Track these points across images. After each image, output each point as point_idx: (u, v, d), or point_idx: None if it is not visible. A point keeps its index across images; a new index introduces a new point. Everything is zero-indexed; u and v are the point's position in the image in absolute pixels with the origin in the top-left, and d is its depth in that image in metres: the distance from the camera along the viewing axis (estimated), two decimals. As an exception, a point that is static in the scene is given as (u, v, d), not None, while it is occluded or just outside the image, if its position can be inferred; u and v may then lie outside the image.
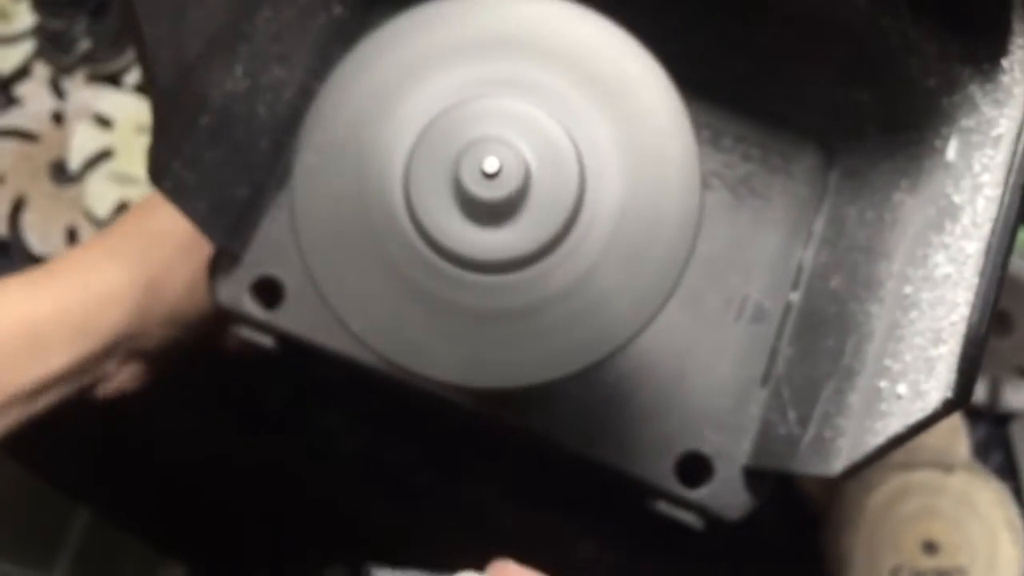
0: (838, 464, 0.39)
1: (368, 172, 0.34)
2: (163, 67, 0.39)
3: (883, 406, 0.36)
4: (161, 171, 0.42)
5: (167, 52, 0.39)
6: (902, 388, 0.34)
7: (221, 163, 0.46)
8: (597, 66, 0.34)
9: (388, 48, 0.34)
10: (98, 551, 1.03)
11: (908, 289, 0.38)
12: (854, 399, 0.40)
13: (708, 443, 0.47)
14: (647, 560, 0.65)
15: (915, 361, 0.34)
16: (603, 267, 0.34)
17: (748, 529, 0.47)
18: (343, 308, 0.35)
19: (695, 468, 0.47)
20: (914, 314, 0.36)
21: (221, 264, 0.49)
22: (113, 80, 0.76)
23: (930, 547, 0.63)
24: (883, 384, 0.37)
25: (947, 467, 0.65)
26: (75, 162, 0.74)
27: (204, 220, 0.45)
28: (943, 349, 0.31)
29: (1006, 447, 0.68)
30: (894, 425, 0.34)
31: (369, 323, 0.34)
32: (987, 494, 0.65)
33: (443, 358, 0.34)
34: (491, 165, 0.32)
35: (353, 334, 0.34)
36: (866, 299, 0.42)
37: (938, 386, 0.31)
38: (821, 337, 0.44)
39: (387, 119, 0.34)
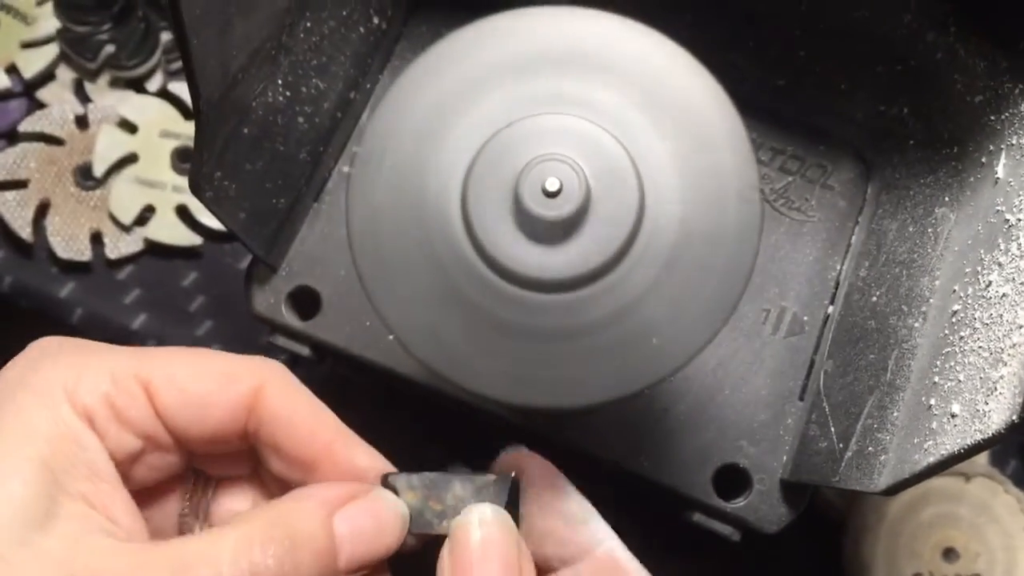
0: (881, 480, 0.39)
1: (426, 187, 0.34)
2: (208, 78, 0.39)
3: (933, 424, 0.36)
4: (204, 181, 0.42)
5: (212, 63, 0.39)
6: (956, 407, 0.34)
7: (261, 174, 0.45)
8: (654, 82, 0.34)
9: (447, 62, 0.34)
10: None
11: (956, 306, 0.38)
12: (898, 415, 0.40)
13: (745, 456, 0.47)
14: (663, 564, 0.64)
15: (970, 380, 0.34)
16: (660, 289, 0.33)
17: (767, 534, 0.47)
18: (391, 318, 0.34)
19: (732, 481, 0.46)
20: (965, 332, 0.36)
21: (257, 274, 0.49)
22: (137, 85, 0.76)
23: (949, 554, 0.63)
24: (932, 401, 0.37)
25: (966, 474, 0.64)
26: (100, 167, 0.74)
27: (243, 229, 0.45)
28: (1004, 371, 0.31)
29: (1022, 455, 0.68)
30: (948, 445, 0.34)
31: (416, 334, 0.34)
32: (1006, 501, 0.64)
33: (487, 373, 0.34)
34: (552, 184, 0.32)
35: (400, 342, 0.34)
36: (908, 314, 0.42)
37: (1000, 408, 0.31)
38: (862, 352, 0.44)
39: (446, 134, 0.34)
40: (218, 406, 0.36)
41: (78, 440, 0.33)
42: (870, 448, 0.40)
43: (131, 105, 0.75)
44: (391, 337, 0.34)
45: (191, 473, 0.40)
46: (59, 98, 0.76)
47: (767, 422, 0.47)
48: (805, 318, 0.48)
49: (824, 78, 0.46)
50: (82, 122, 0.75)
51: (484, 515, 0.35)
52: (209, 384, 0.36)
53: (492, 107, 0.34)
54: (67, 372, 0.34)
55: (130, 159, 0.74)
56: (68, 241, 0.73)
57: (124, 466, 0.35)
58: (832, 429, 0.43)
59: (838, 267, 0.48)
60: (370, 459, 0.37)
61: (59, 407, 0.33)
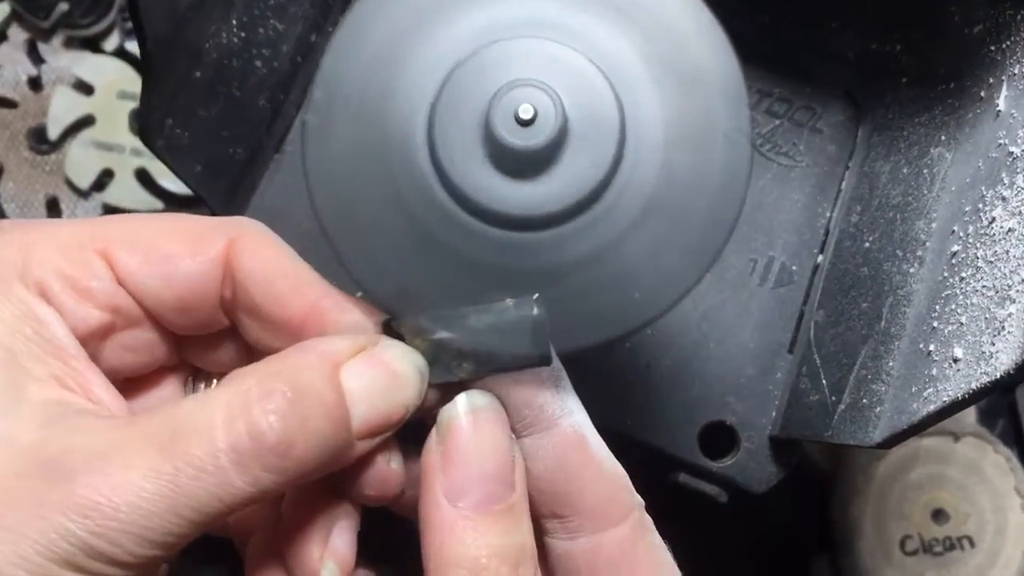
0: (877, 433, 0.37)
1: (388, 123, 0.31)
2: (154, 15, 0.37)
3: (933, 371, 0.34)
4: (153, 129, 0.40)
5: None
6: (958, 351, 0.32)
7: (216, 121, 0.43)
8: (639, 7, 0.31)
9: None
10: None
11: (956, 247, 0.36)
12: (894, 364, 0.38)
13: (732, 413, 0.45)
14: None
15: (974, 322, 0.32)
16: (640, 231, 0.31)
17: (754, 498, 0.46)
18: (358, 270, 0.32)
19: (719, 439, 0.45)
20: (967, 272, 0.34)
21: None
22: (93, 44, 0.73)
23: (938, 515, 0.62)
24: (932, 347, 0.35)
25: (955, 434, 0.64)
26: (54, 129, 0.71)
27: (199, 181, 0.43)
28: (1012, 308, 0.29)
29: (1010, 413, 0.67)
30: (950, 391, 0.32)
31: (384, 284, 0.32)
32: (995, 460, 0.64)
33: None
34: (526, 111, 0.29)
35: (369, 296, 0.32)
36: (903, 259, 0.40)
37: (1009, 347, 0.29)
38: (854, 300, 0.43)
39: (409, 64, 0.31)
40: (186, 265, 0.32)
41: (35, 317, 0.30)
42: (864, 400, 0.39)
43: (87, 65, 0.72)
44: (359, 294, 0.33)
45: (186, 370, 0.37)
46: (11, 59, 0.73)
47: (755, 377, 0.46)
48: (794, 267, 0.47)
49: (811, 14, 0.44)
50: (35, 84, 0.72)
51: (475, 402, 0.31)
52: (174, 243, 0.32)
53: (459, 32, 0.31)
54: (13, 251, 0.31)
55: (86, 121, 0.71)
56: (23, 207, 0.70)
57: (92, 343, 0.32)
58: (824, 382, 0.42)
59: (828, 214, 0.47)
60: (367, 317, 0.33)
61: (9, 286, 0.30)
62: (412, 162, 0.31)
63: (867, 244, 0.43)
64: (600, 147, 0.31)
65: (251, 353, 0.35)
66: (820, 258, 0.47)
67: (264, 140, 0.46)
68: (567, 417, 0.32)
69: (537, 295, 0.31)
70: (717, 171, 0.31)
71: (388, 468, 0.33)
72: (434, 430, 0.32)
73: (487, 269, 0.31)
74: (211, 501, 0.27)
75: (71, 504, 0.26)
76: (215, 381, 0.37)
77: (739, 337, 0.46)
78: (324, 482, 0.33)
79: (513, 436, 0.32)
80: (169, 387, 0.36)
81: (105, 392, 0.31)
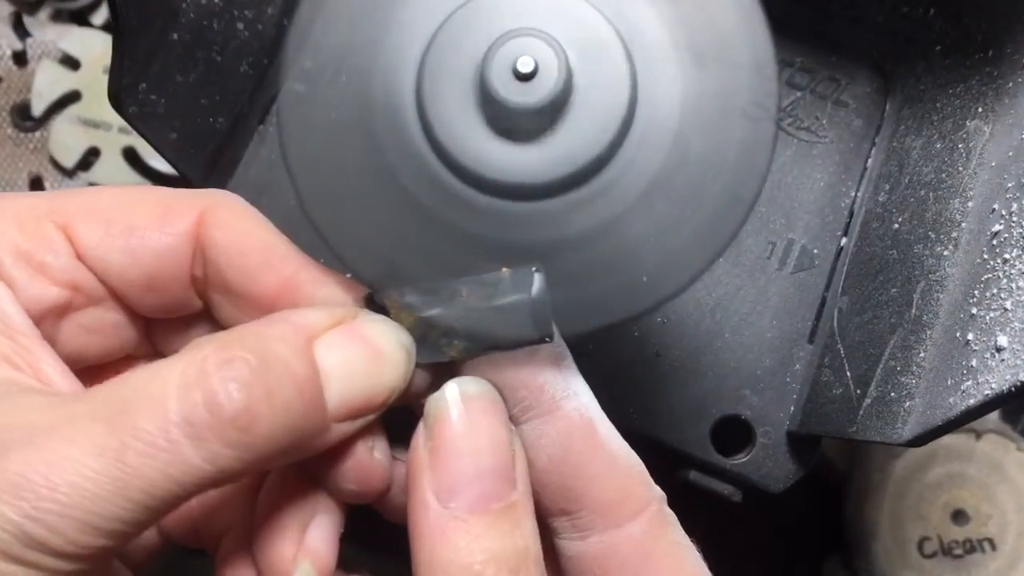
0: (907, 429, 0.35)
1: (371, 81, 0.29)
2: (124, -33, 0.34)
3: (972, 361, 0.32)
4: (125, 93, 0.38)
5: (129, -51, 0.34)
6: (1003, 339, 0.30)
7: (195, 88, 0.41)
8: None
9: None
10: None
11: (998, 227, 0.33)
12: (926, 355, 0.36)
13: (747, 406, 0.43)
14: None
15: (1021, 307, 0.29)
16: (650, 203, 0.29)
17: (764, 497, 0.44)
18: (344, 249, 0.29)
19: (733, 434, 0.43)
20: (1011, 254, 0.31)
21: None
22: (80, 18, 0.72)
23: (958, 516, 0.60)
24: (970, 336, 0.32)
25: (976, 431, 0.62)
26: (38, 105, 0.70)
27: (176, 152, 0.40)
28: (1068, 289, 0.26)
29: (1034, 410, 0.65)
30: (994, 383, 0.29)
31: (373, 264, 0.29)
32: (1018, 459, 0.62)
33: None
34: (526, 63, 0.26)
35: (356, 277, 0.29)
36: (936, 241, 0.38)
37: (1067, 332, 0.26)
38: (882, 286, 0.40)
39: (394, 17, 0.29)
40: (153, 239, 0.29)
41: None
42: (892, 393, 0.37)
43: (73, 39, 0.71)
44: (348, 276, 0.30)
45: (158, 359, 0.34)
46: None
47: (772, 368, 0.43)
48: (815, 251, 0.44)
49: None
50: (20, 58, 0.71)
51: (467, 389, 0.28)
52: (140, 215, 0.30)
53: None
54: None
55: (72, 97, 0.70)
56: (5, 187, 0.69)
57: (48, 322, 0.29)
58: (848, 374, 0.40)
59: (853, 193, 0.45)
60: (346, 292, 0.30)
61: None
62: (398, 123, 0.29)
63: (896, 225, 0.41)
64: (607, 109, 0.28)
65: None
66: (844, 241, 0.44)
67: (247, 109, 0.44)
68: (571, 399, 0.29)
69: (537, 265, 0.28)
70: (736, 148, 0.29)
71: (371, 458, 0.29)
72: (421, 423, 0.28)
73: (481, 243, 0.29)
74: (164, 481, 0.24)
75: (2, 483, 0.23)
76: None
77: (756, 325, 0.44)
78: (301, 473, 0.30)
79: (512, 428, 0.29)
80: None
81: (57, 373, 0.28)
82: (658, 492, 0.29)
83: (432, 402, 0.28)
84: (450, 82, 0.28)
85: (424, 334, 0.29)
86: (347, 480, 0.29)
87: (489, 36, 0.27)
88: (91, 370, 0.31)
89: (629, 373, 0.43)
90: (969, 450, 0.61)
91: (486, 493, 0.27)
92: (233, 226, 0.30)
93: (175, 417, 0.24)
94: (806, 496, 0.59)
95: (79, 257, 0.29)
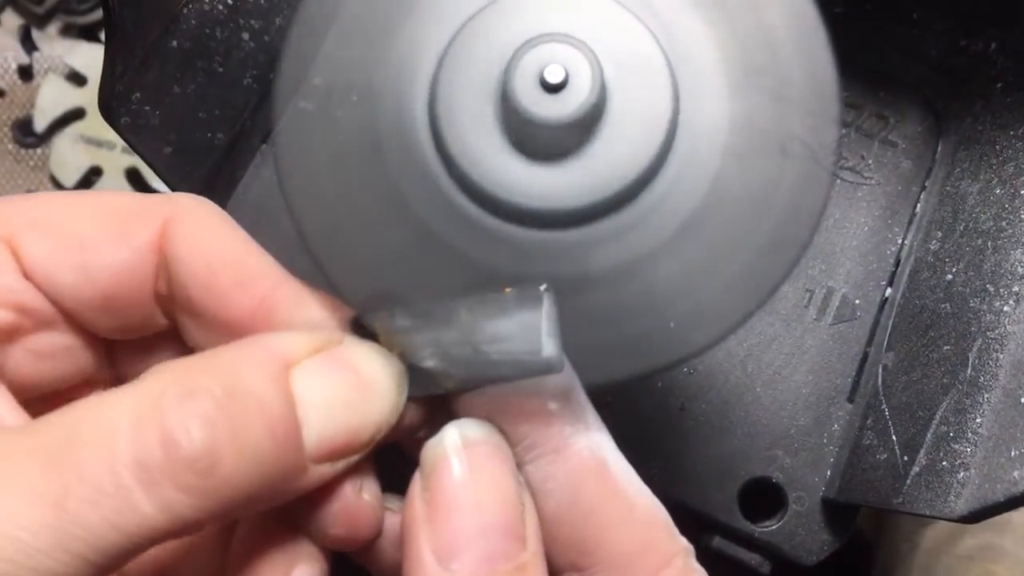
0: (960, 504, 0.33)
1: (383, 99, 0.26)
2: (120, -35, 0.31)
3: None
4: (117, 102, 0.36)
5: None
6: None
7: (193, 100, 0.39)
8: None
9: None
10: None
11: (1070, 280, 0.30)
12: (983, 421, 0.34)
13: (779, 468, 0.40)
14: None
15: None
16: (684, 242, 0.26)
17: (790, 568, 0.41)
18: (343, 278, 0.26)
19: (762, 498, 0.40)
20: (1089, 310, 0.28)
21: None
22: (89, 34, 0.72)
23: None
24: None
25: None
26: (41, 121, 0.69)
27: (170, 168, 0.38)
28: None
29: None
30: None
31: (373, 295, 0.26)
32: None
33: None
34: (555, 73, 0.24)
35: (359, 307, 0.26)
36: (995, 295, 0.36)
37: None
38: (932, 342, 0.37)
39: (409, 22, 0.26)
40: (108, 254, 0.26)
41: None
42: (944, 462, 0.34)
43: (81, 55, 0.71)
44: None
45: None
46: (1, 46, 0.70)
47: (807, 427, 0.40)
48: (857, 301, 0.41)
49: (888, 5, 0.39)
50: (26, 73, 0.71)
51: (468, 434, 0.25)
52: (93, 226, 0.26)
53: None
54: None
55: (76, 115, 0.69)
56: None
57: None
58: (894, 438, 0.37)
59: (900, 240, 0.42)
60: (332, 315, 0.27)
61: None
62: (408, 139, 0.26)
63: (950, 276, 0.38)
64: (644, 131, 0.25)
65: None
66: (889, 291, 0.41)
67: (249, 126, 0.41)
68: (582, 436, 0.25)
69: (545, 285, 0.24)
70: (784, 190, 0.26)
71: (359, 500, 0.26)
72: (417, 473, 0.25)
73: (495, 276, 0.26)
74: (109, 533, 0.20)
75: None
76: None
77: (790, 380, 0.41)
78: (280, 516, 0.26)
79: (521, 479, 0.25)
80: None
81: (5, 411, 0.24)
82: (683, 544, 0.26)
83: (429, 448, 0.25)
84: (468, 92, 0.25)
85: (417, 363, 0.25)
86: (332, 525, 0.26)
87: (513, 42, 0.25)
88: (45, 399, 0.28)
89: (650, 427, 0.40)
90: (1004, 521, 0.57)
91: (492, 553, 0.23)
92: (199, 238, 0.27)
93: (125, 458, 0.21)
94: (828, 565, 0.56)
95: (26, 276, 0.26)
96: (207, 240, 0.26)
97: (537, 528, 0.25)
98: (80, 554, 0.20)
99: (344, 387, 0.24)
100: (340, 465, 0.25)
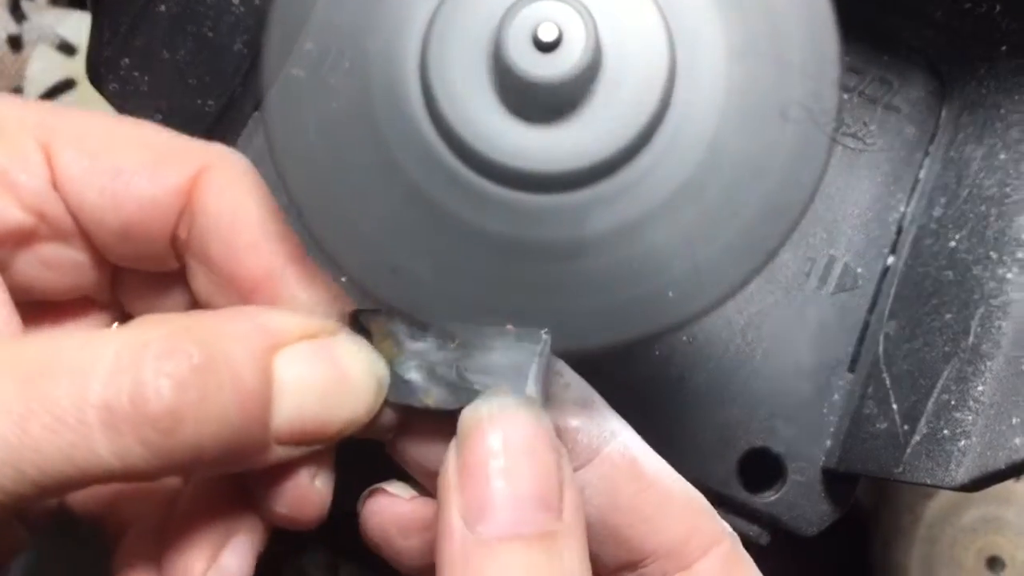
0: (961, 472, 0.33)
1: (373, 63, 0.26)
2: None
3: None
4: (105, 68, 0.35)
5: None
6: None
7: (182, 66, 0.39)
8: None
9: None
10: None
11: (1076, 245, 0.30)
12: (984, 389, 0.34)
13: (779, 439, 0.40)
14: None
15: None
16: (681, 206, 0.26)
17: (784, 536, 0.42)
18: (334, 243, 0.27)
19: (762, 469, 0.41)
20: (1094, 276, 0.28)
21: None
22: (79, 2, 0.71)
23: (994, 563, 0.58)
24: None
25: None
26: (32, 92, 0.68)
27: None
28: None
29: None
30: None
31: (366, 258, 0.26)
32: None
33: (455, 304, 0.27)
34: (548, 31, 0.23)
35: (352, 279, 0.27)
36: (998, 262, 0.36)
37: None
38: (935, 310, 0.37)
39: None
40: (139, 187, 0.27)
41: None
42: (945, 431, 0.34)
43: (71, 24, 0.70)
44: (343, 279, 0.27)
45: (116, 312, 0.31)
46: None
47: (808, 397, 0.40)
48: (859, 270, 0.41)
49: None
50: (15, 43, 0.70)
51: (505, 405, 0.25)
52: (130, 157, 0.27)
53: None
54: None
55: (67, 85, 0.68)
56: None
57: (4, 248, 0.27)
58: (894, 407, 0.37)
59: (902, 207, 0.41)
60: (334, 303, 0.28)
61: None
62: (400, 101, 0.26)
63: (952, 244, 0.38)
64: (640, 91, 0.25)
65: (196, 306, 0.30)
66: (891, 259, 0.41)
67: (240, 92, 0.41)
68: (610, 442, 0.26)
69: (547, 331, 0.25)
70: (783, 154, 0.26)
71: (310, 486, 0.27)
72: (453, 442, 0.25)
73: (490, 241, 0.26)
74: (62, 463, 0.21)
75: None
76: None
77: (791, 350, 0.41)
78: (229, 482, 0.28)
79: (563, 449, 0.25)
80: (89, 326, 0.31)
81: None
82: (726, 527, 0.27)
83: (466, 415, 0.25)
84: (459, 52, 0.25)
85: (404, 370, 0.26)
86: (279, 503, 0.27)
87: (505, 0, 0.24)
88: (40, 305, 0.29)
89: (649, 397, 0.41)
90: (1008, 493, 0.59)
91: (520, 518, 0.23)
92: (229, 194, 0.27)
93: (94, 398, 0.21)
94: (828, 537, 0.57)
95: (54, 185, 0.27)
96: (236, 197, 0.27)
97: (576, 501, 0.25)
98: (29, 475, 0.21)
99: (323, 380, 0.25)
100: (303, 450, 0.25)
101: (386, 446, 0.28)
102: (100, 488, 0.29)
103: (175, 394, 0.22)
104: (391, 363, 0.26)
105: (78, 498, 0.30)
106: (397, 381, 0.26)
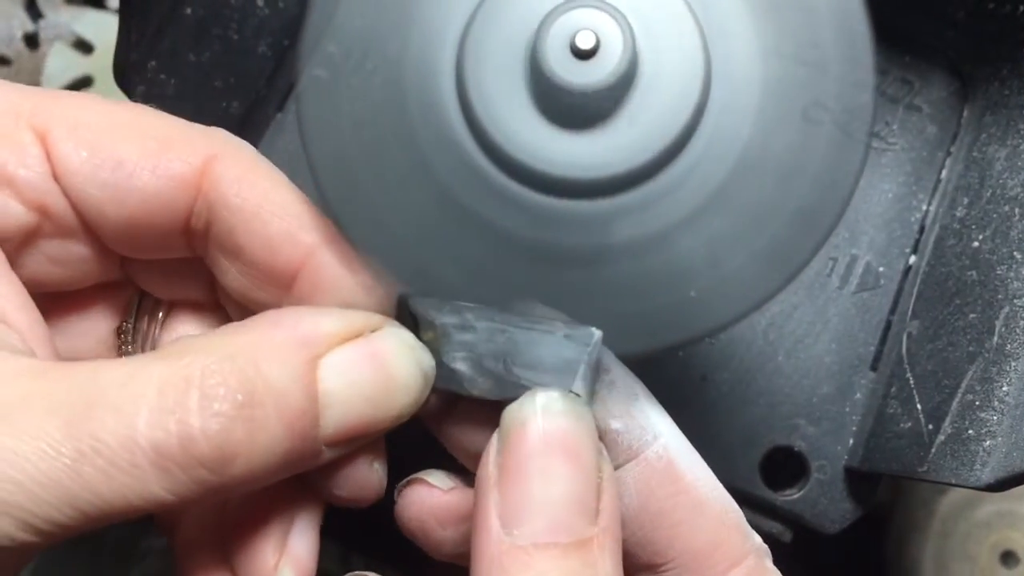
0: (986, 472, 0.33)
1: (405, 67, 0.26)
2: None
3: None
4: (133, 71, 0.36)
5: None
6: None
7: (208, 68, 0.39)
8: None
9: None
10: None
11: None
12: (1009, 389, 0.34)
13: (801, 437, 0.40)
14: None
15: None
16: (712, 215, 0.26)
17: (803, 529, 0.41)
18: (364, 244, 0.27)
19: (784, 467, 0.41)
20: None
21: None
22: (95, 0, 0.70)
23: (1008, 558, 0.58)
24: None
25: None
26: None
27: None
28: None
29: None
30: None
31: (396, 260, 0.26)
32: None
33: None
34: (586, 39, 0.23)
35: (386, 279, 0.27)
36: (1022, 263, 0.35)
37: None
38: (958, 310, 0.37)
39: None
40: (143, 180, 0.26)
41: None
42: (970, 431, 0.34)
43: (87, 22, 0.70)
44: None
45: (135, 295, 0.30)
46: (7, 13, 0.70)
47: (830, 396, 0.41)
48: (881, 269, 0.41)
49: None
50: (32, 41, 0.70)
51: (550, 401, 0.24)
52: (131, 147, 0.26)
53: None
54: None
55: (84, 83, 0.68)
56: None
57: (8, 246, 0.26)
58: (918, 406, 0.37)
59: (924, 207, 0.41)
60: (375, 284, 0.27)
61: None
62: (435, 108, 0.26)
63: (976, 244, 0.38)
64: (675, 99, 0.25)
65: (214, 289, 0.29)
66: (913, 259, 0.41)
67: (264, 94, 0.41)
68: (651, 444, 0.26)
69: (599, 332, 0.25)
70: (817, 163, 0.26)
71: (369, 470, 0.27)
72: (495, 436, 0.25)
73: (521, 245, 0.26)
74: (116, 499, 0.21)
75: None
76: (161, 317, 0.30)
77: (813, 349, 0.41)
78: None
79: (604, 451, 0.25)
80: (105, 311, 0.30)
81: (21, 311, 0.24)
82: (757, 543, 0.26)
83: (509, 413, 0.25)
84: (496, 60, 0.25)
85: (448, 361, 0.25)
86: (338, 487, 0.27)
87: (542, 7, 0.24)
88: (54, 296, 0.28)
89: (671, 397, 0.39)
90: (1021, 488, 0.59)
91: (557, 524, 0.23)
92: (249, 184, 0.26)
93: (143, 442, 0.21)
94: (843, 531, 0.57)
95: (55, 177, 0.26)
96: (256, 185, 0.26)
97: (614, 504, 0.25)
98: (85, 512, 0.21)
99: (370, 382, 0.24)
100: (355, 446, 0.25)
101: (430, 427, 0.28)
102: None
103: (223, 435, 0.22)
104: (438, 351, 0.25)
105: None
106: (444, 369, 0.26)
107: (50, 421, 0.21)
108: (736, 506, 0.26)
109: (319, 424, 0.24)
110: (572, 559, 0.23)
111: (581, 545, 0.23)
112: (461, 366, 0.25)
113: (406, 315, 0.26)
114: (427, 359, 0.25)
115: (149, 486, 0.21)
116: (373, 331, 0.25)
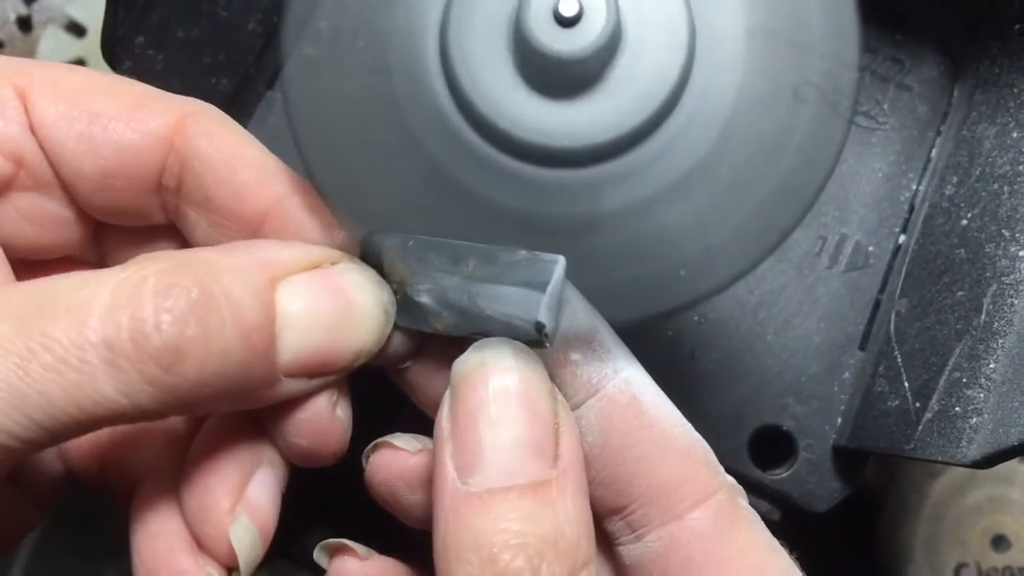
0: (972, 449, 0.33)
1: (391, 40, 0.26)
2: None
3: None
4: (120, 47, 0.35)
5: None
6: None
7: (197, 44, 0.39)
8: None
9: None
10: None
11: (1089, 222, 0.30)
12: (996, 367, 0.34)
13: (790, 416, 0.40)
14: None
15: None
16: (696, 185, 0.26)
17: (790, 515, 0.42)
18: (350, 215, 0.27)
19: (773, 446, 0.41)
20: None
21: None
22: None
23: (999, 542, 0.59)
24: None
25: None
26: None
27: None
28: None
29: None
30: None
31: (381, 231, 0.27)
32: None
33: None
34: (569, 6, 0.23)
35: (372, 253, 0.27)
36: (1011, 240, 0.35)
37: None
38: (946, 288, 0.37)
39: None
40: (118, 132, 0.27)
41: None
42: (957, 408, 0.34)
43: (80, 5, 0.69)
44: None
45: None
46: None
47: (819, 375, 0.41)
48: (870, 248, 0.41)
49: None
50: (25, 24, 0.70)
51: (496, 353, 0.24)
52: (109, 103, 0.27)
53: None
54: None
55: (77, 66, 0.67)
56: None
57: None
58: (906, 384, 0.37)
59: (914, 186, 0.41)
60: (339, 226, 0.27)
61: None
62: (419, 78, 0.26)
63: (964, 222, 0.38)
64: (659, 67, 0.25)
65: None
66: (902, 238, 0.41)
67: (253, 71, 0.41)
68: (611, 378, 0.25)
69: (563, 258, 0.24)
70: (799, 135, 0.26)
71: (330, 415, 0.26)
72: (448, 390, 0.25)
73: (506, 215, 0.26)
74: (67, 403, 0.21)
75: None
76: None
77: (802, 328, 0.41)
78: (246, 418, 0.27)
79: (560, 395, 0.25)
80: None
81: None
82: (730, 481, 0.25)
83: (459, 364, 0.24)
84: (480, 28, 0.25)
85: (412, 296, 0.25)
86: (299, 435, 0.26)
87: None
88: (24, 264, 0.28)
89: (660, 375, 0.39)
90: (1012, 472, 0.59)
91: (510, 468, 0.23)
92: (221, 136, 0.27)
93: (93, 336, 0.21)
94: (835, 515, 0.57)
95: (32, 129, 0.26)
96: (227, 138, 0.27)
97: (575, 447, 0.24)
98: (35, 419, 0.21)
99: (329, 309, 0.24)
100: (315, 383, 0.25)
101: (396, 380, 0.27)
102: (103, 444, 0.29)
103: (176, 329, 0.22)
104: (403, 286, 0.25)
105: (82, 463, 0.29)
106: (409, 305, 0.25)
107: (2, 324, 0.21)
108: (705, 443, 0.26)
109: (276, 346, 0.23)
110: (528, 500, 0.23)
111: (538, 487, 0.23)
112: (425, 299, 0.25)
113: (370, 255, 0.26)
114: (387, 295, 0.25)
115: (100, 385, 0.21)
116: (333, 264, 0.25)
